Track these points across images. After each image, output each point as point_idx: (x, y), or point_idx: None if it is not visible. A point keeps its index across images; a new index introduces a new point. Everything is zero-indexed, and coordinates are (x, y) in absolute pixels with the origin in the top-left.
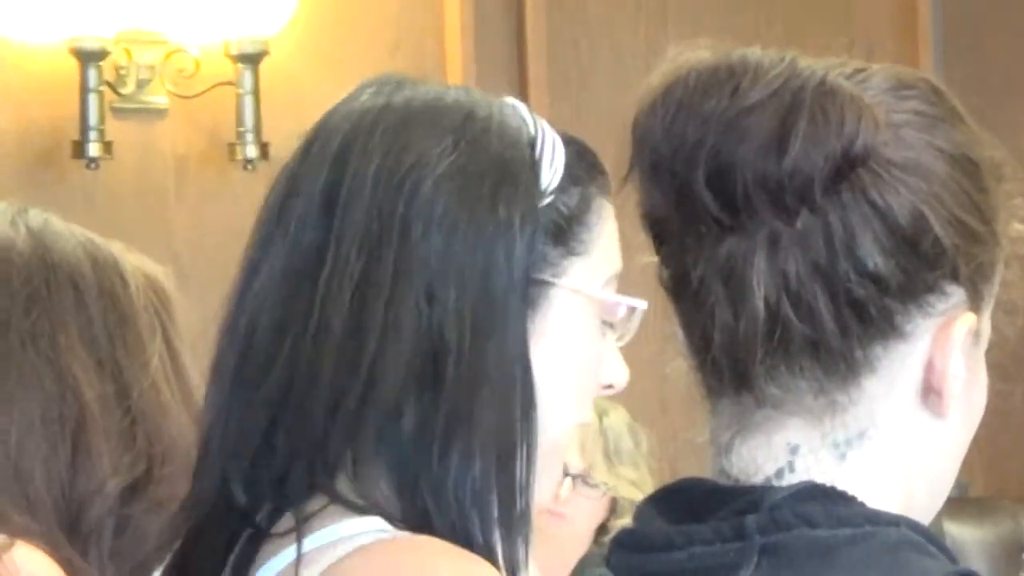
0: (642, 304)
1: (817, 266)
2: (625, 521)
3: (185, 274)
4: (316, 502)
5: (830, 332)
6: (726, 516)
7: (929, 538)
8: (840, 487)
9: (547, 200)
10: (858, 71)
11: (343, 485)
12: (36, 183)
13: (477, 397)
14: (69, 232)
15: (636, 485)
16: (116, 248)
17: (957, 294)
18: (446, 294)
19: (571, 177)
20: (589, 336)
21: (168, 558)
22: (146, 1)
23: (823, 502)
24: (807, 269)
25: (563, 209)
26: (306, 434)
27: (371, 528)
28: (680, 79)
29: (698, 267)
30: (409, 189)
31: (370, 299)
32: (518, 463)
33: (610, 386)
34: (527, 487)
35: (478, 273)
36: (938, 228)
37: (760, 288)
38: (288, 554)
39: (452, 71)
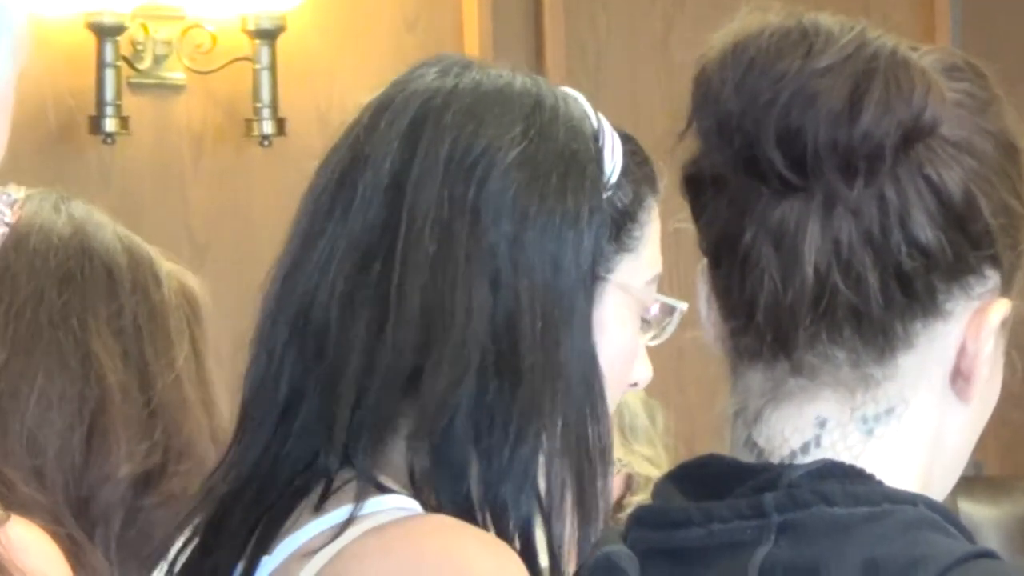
0: (683, 306)
1: (869, 236)
2: (640, 498)
3: (200, 248)
4: (344, 476)
5: (875, 303)
6: (744, 493)
7: (946, 517)
8: (864, 463)
9: (607, 194)
10: (913, 49)
11: (379, 462)
12: (53, 158)
13: (552, 388)
14: (111, 225)
15: (651, 462)
16: (154, 252)
17: (994, 279)
18: (516, 283)
19: (626, 173)
20: (631, 333)
21: (194, 528)
22: None
23: (841, 480)
24: (859, 238)
25: (619, 204)
26: (369, 408)
27: (393, 506)
28: (752, 37)
29: (749, 230)
30: (480, 175)
31: (446, 281)
32: (592, 454)
33: (635, 383)
34: (604, 478)
35: (548, 264)
36: (986, 210)
37: (811, 254)
38: (310, 528)
39: (469, 47)
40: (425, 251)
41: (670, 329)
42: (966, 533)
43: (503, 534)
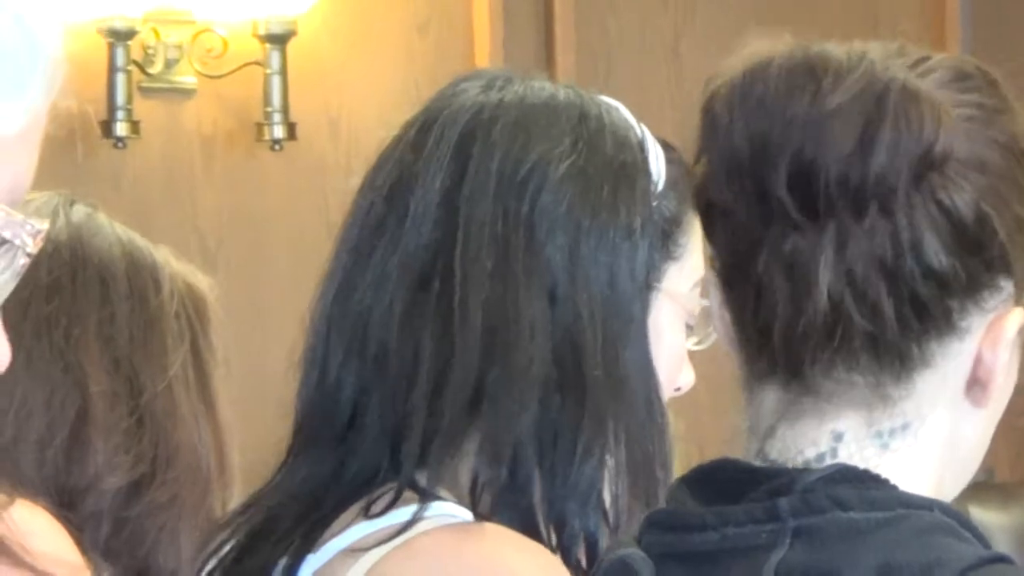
0: None
1: (883, 264)
2: None
3: (211, 253)
4: (400, 486)
5: (890, 328)
6: (759, 498)
7: (961, 522)
8: (880, 473)
9: (654, 203)
10: (919, 61)
11: (440, 476)
12: (64, 162)
13: (615, 401)
14: (111, 229)
15: None
16: (161, 253)
17: (1007, 288)
18: (574, 296)
19: (670, 182)
20: (680, 339)
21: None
22: None
23: (856, 485)
24: (873, 268)
25: (666, 213)
26: (438, 424)
27: (446, 513)
28: (760, 76)
29: (761, 258)
30: (533, 189)
31: (506, 297)
32: (656, 465)
33: (679, 388)
34: (665, 487)
35: (604, 276)
36: (999, 225)
37: (824, 284)
38: (360, 529)
39: (480, 51)
40: (483, 267)
41: (713, 335)
42: (981, 538)
43: (569, 550)
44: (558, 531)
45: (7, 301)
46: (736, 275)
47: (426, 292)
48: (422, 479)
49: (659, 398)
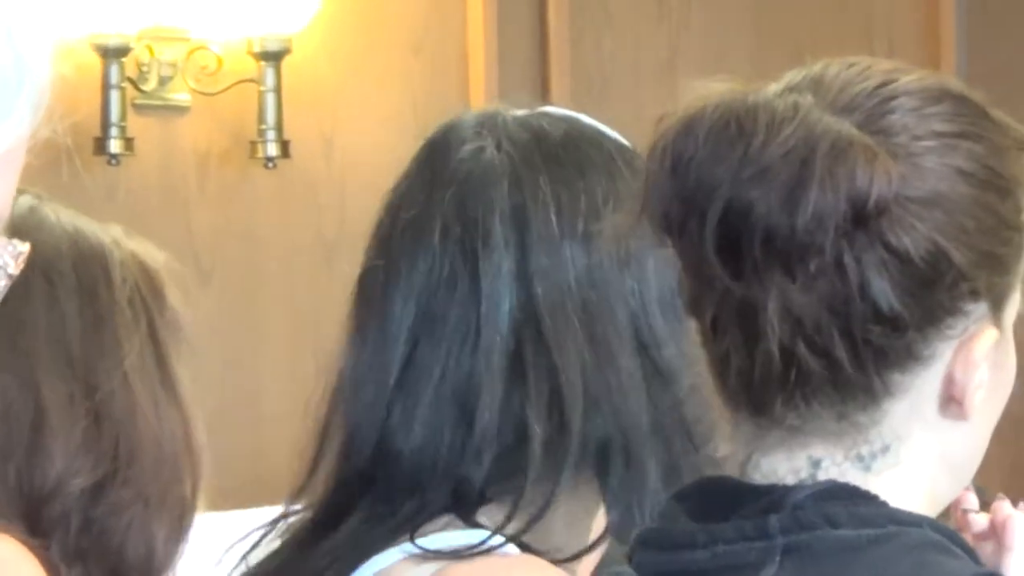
0: None
1: (832, 307)
2: None
3: (205, 271)
4: (442, 517)
5: (847, 368)
6: (749, 515)
7: (952, 538)
8: (867, 490)
9: None
10: (882, 85)
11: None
12: (57, 179)
13: (689, 434)
14: (57, 223)
15: None
16: (111, 236)
17: (976, 310)
18: (656, 334)
19: None
20: None
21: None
22: None
23: (846, 502)
24: (822, 310)
25: None
26: (485, 449)
27: (476, 540)
28: (692, 133)
29: (711, 309)
30: (595, 242)
31: (600, 358)
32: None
33: None
34: None
35: (669, 302)
36: (958, 258)
37: (775, 332)
38: (392, 554)
39: (475, 72)
40: (574, 335)
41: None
42: (972, 555)
43: None
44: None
45: None
46: (696, 313)
47: (519, 367)
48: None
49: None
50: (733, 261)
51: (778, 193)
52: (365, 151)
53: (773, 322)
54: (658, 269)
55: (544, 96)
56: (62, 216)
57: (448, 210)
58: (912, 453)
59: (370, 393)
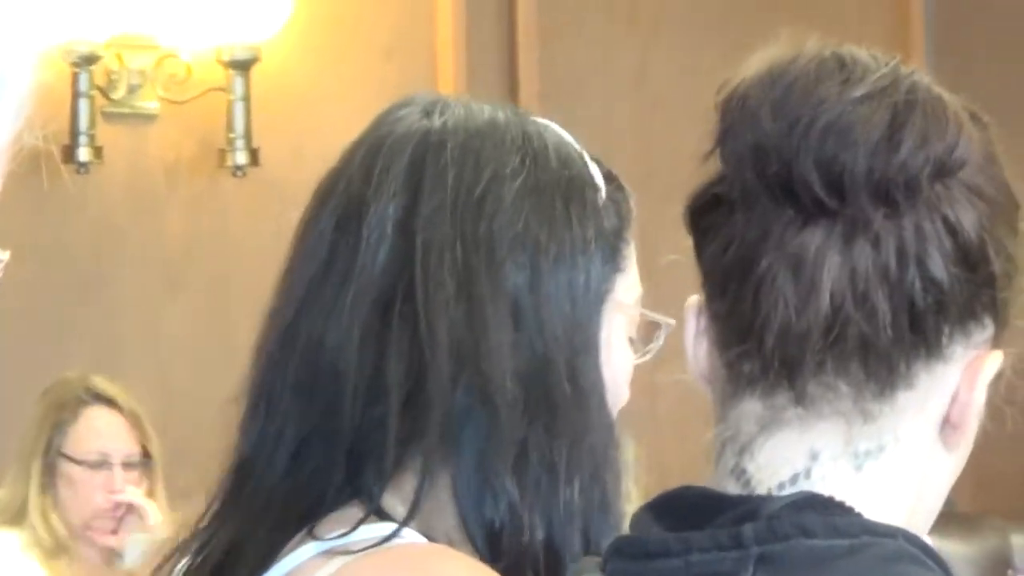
0: (670, 321)
1: (886, 270)
2: None
3: (174, 278)
4: (352, 507)
5: (884, 336)
6: (724, 524)
7: (925, 550)
8: (851, 498)
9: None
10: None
11: (398, 496)
12: (26, 188)
13: (582, 418)
14: None
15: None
16: None
17: (989, 329)
18: (538, 315)
19: (608, 194)
20: (628, 354)
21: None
22: (138, 6)
23: (820, 512)
24: (876, 271)
25: (610, 225)
26: (408, 448)
27: (385, 533)
28: (788, 63)
29: (767, 256)
30: (489, 209)
31: (472, 321)
32: (617, 481)
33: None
34: (620, 500)
35: (565, 293)
36: (993, 255)
37: (829, 282)
38: (304, 551)
39: (444, 79)
40: (446, 291)
41: (657, 346)
42: (944, 567)
43: (554, 571)
44: (547, 555)
45: None
46: (736, 277)
47: (386, 319)
48: (380, 496)
49: (611, 411)
50: (830, 178)
51: (882, 118)
52: (334, 158)
53: (831, 270)
54: (561, 268)
55: (514, 103)
56: None
57: (356, 165)
58: (903, 461)
59: (261, 359)
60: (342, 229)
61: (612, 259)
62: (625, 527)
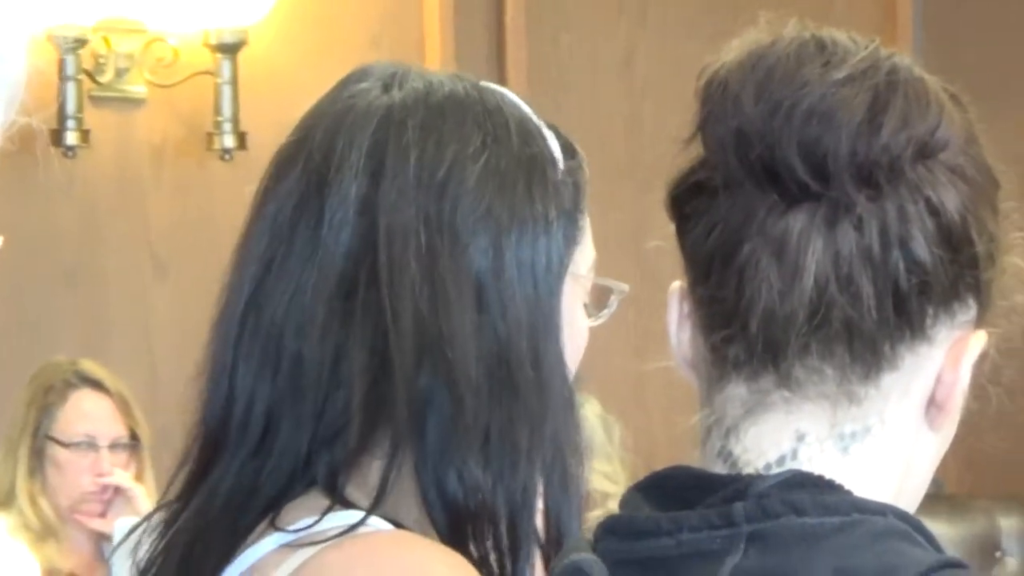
0: (623, 287)
1: (869, 252)
2: (597, 513)
3: (162, 262)
4: (314, 496)
5: (868, 318)
6: (714, 503)
7: (916, 527)
8: (838, 480)
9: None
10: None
11: (357, 481)
12: (14, 171)
13: (543, 399)
14: None
15: (609, 477)
16: None
17: (973, 309)
18: (500, 298)
19: (567, 167)
20: (584, 321)
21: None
22: None
23: (810, 490)
24: (860, 254)
25: (568, 201)
26: (373, 432)
27: (353, 521)
28: (768, 47)
29: (750, 241)
30: (452, 191)
31: (436, 304)
32: (579, 459)
33: None
34: (582, 480)
35: (527, 275)
36: (976, 236)
37: (812, 266)
38: (266, 543)
39: (431, 64)
40: (410, 274)
41: (610, 312)
42: (935, 543)
43: (524, 562)
44: (513, 543)
45: None
46: (720, 261)
47: (348, 301)
48: (338, 482)
49: (573, 390)
50: (813, 161)
51: (864, 99)
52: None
53: (815, 254)
54: (523, 250)
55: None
56: None
57: (317, 140)
58: (888, 443)
59: (220, 336)
60: (302, 207)
61: (571, 234)
62: (587, 508)
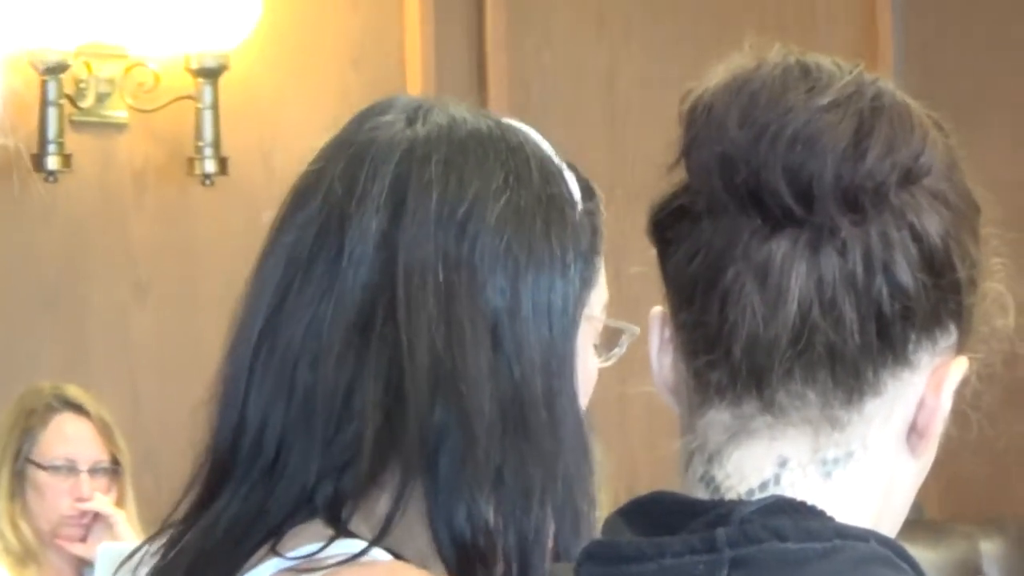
0: (635, 329)
1: (853, 278)
2: None
3: (143, 287)
4: (316, 524)
5: (851, 344)
6: (697, 528)
7: (898, 552)
8: (820, 505)
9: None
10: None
11: (366, 514)
12: None
13: (562, 443)
14: None
15: None
16: None
17: (954, 336)
18: (516, 338)
19: (585, 208)
20: (594, 361)
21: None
22: (107, 15)
23: (793, 516)
24: (843, 279)
25: (584, 243)
26: (385, 467)
27: (351, 550)
28: (753, 74)
29: (733, 266)
30: (472, 230)
31: (451, 343)
32: (590, 500)
33: None
34: (594, 522)
35: (543, 316)
36: (958, 262)
37: (796, 291)
38: (265, 568)
39: (412, 87)
40: (428, 312)
41: (620, 352)
42: (917, 569)
43: None
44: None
45: None
46: (702, 287)
47: (365, 334)
48: (345, 514)
49: (586, 432)
50: (798, 186)
51: (849, 125)
52: (303, 167)
53: (798, 280)
54: (540, 291)
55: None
56: None
57: (339, 171)
58: (870, 469)
59: (234, 362)
60: (322, 239)
61: (587, 276)
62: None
